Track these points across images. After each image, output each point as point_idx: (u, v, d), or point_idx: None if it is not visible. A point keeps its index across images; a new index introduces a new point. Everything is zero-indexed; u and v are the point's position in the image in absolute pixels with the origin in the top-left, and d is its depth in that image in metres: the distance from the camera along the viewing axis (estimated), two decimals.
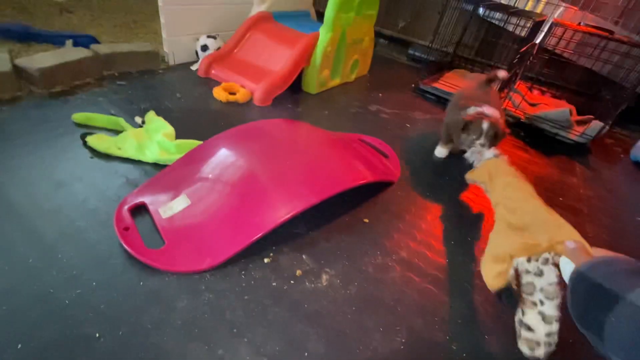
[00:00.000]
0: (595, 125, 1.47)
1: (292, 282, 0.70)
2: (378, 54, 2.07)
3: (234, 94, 1.35)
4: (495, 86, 1.29)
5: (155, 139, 0.99)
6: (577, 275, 0.47)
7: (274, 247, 0.76)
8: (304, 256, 0.76)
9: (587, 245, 0.53)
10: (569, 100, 1.80)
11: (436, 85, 1.77)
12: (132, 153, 0.94)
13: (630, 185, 1.35)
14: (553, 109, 1.53)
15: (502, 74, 1.24)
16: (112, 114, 1.10)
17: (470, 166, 1.03)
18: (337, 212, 0.89)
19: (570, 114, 1.49)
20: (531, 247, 0.61)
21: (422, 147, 1.29)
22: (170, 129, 1.03)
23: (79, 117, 1.04)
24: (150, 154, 0.94)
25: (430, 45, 1.83)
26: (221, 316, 0.61)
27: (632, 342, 0.36)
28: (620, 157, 1.54)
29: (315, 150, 0.96)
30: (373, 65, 1.92)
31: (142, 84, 1.37)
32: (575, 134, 1.47)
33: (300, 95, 1.51)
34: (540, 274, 0.59)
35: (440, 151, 1.24)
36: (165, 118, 1.11)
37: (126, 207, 0.77)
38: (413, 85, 1.82)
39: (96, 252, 0.68)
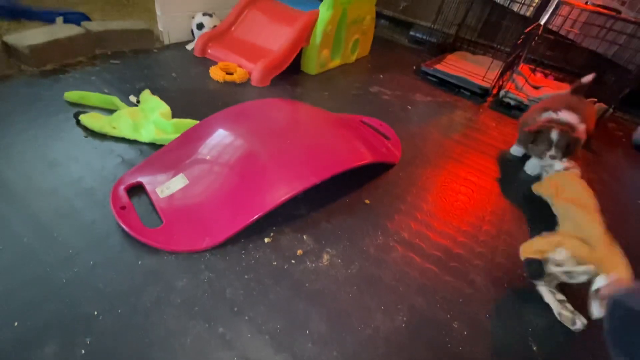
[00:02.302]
0: (598, 108, 1.44)
1: (293, 261, 0.69)
2: (378, 35, 2.02)
3: (231, 73, 1.32)
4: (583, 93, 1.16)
5: (151, 118, 0.96)
6: (614, 302, 0.48)
7: (274, 228, 0.75)
8: (304, 236, 0.75)
9: (629, 279, 0.56)
10: (572, 83, 1.77)
11: (438, 67, 1.73)
12: (128, 132, 0.92)
13: (631, 169, 1.34)
14: (555, 92, 1.50)
15: (587, 79, 1.12)
16: (106, 93, 1.06)
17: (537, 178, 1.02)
18: (338, 193, 0.88)
19: None
20: (584, 250, 0.65)
21: (424, 129, 1.27)
22: (166, 108, 1.01)
23: (71, 95, 1.01)
24: (146, 134, 0.91)
25: (432, 26, 1.78)
26: (222, 295, 0.60)
27: None
28: (621, 141, 1.53)
29: (316, 130, 0.94)
30: (373, 46, 1.87)
31: (137, 63, 1.32)
32: None
33: (300, 76, 1.47)
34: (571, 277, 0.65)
35: (516, 149, 1.18)
36: (161, 98, 1.07)
37: (122, 186, 0.76)
38: (414, 67, 1.79)
39: (93, 232, 0.67)
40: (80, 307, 0.55)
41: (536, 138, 0.97)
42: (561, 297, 0.67)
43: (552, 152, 0.95)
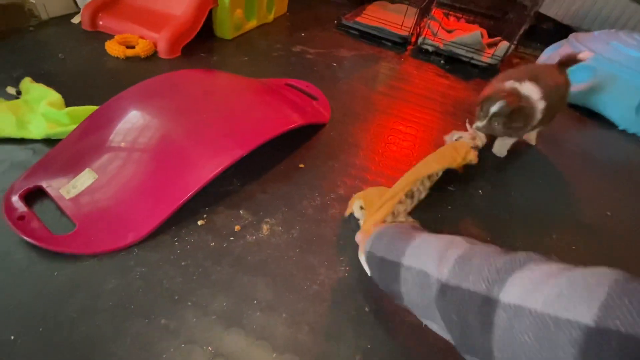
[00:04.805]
0: (503, 46, 1.57)
1: (231, 238, 0.67)
2: None
3: (132, 47, 1.16)
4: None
5: (38, 110, 0.82)
6: (367, 255, 0.54)
7: (206, 208, 0.71)
8: (240, 211, 0.73)
9: (372, 227, 0.58)
10: (481, 24, 1.89)
11: (358, 19, 1.71)
12: (11, 131, 0.77)
13: None
14: (466, 34, 1.59)
15: (584, 55, 0.94)
16: None
17: None
18: (271, 161, 0.86)
19: (482, 36, 1.57)
20: (368, 203, 0.70)
21: (351, 85, 1.27)
22: (56, 96, 0.86)
23: None
24: (36, 129, 0.78)
25: None
26: (158, 287, 0.58)
27: (419, 298, 0.41)
28: None
29: (237, 99, 0.88)
30: (292, 3, 1.78)
31: (8, 46, 1.10)
32: (487, 57, 1.56)
33: (214, 42, 1.35)
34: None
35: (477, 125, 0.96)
36: (49, 85, 0.92)
37: (17, 194, 0.65)
38: (335, 21, 1.74)
39: None
40: None
41: (482, 103, 0.87)
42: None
43: (479, 123, 0.85)
